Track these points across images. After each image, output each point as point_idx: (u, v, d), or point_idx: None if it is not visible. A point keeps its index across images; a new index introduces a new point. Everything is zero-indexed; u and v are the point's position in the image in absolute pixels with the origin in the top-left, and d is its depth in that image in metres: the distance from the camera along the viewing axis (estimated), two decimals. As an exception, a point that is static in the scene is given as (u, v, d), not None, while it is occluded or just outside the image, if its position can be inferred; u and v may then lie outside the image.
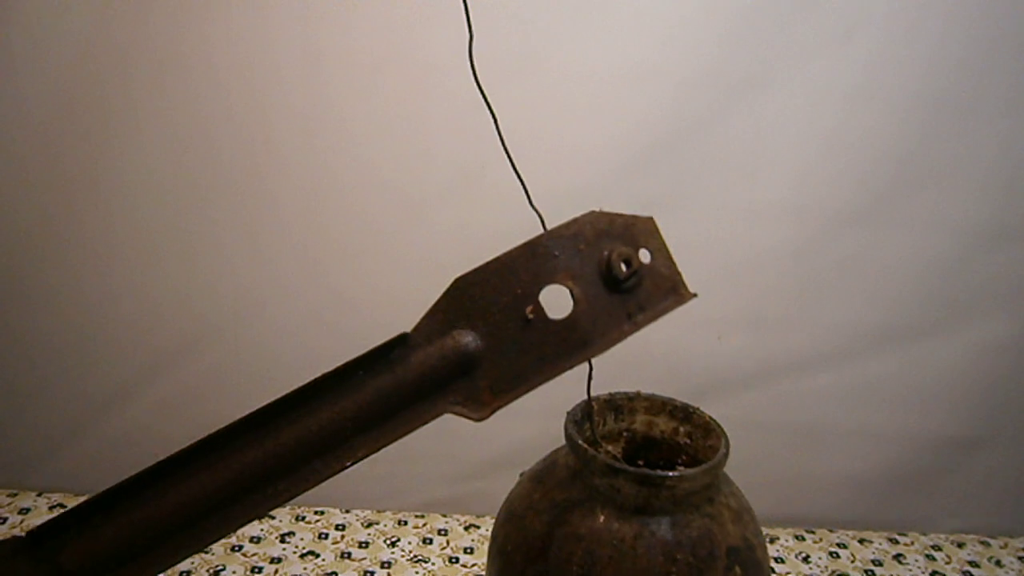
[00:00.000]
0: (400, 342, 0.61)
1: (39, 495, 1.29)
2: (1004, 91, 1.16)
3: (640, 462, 0.81)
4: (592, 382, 0.75)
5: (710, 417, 0.76)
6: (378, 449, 0.60)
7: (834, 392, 1.30)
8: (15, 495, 1.29)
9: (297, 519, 1.27)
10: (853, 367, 1.29)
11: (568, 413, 0.75)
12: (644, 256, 0.64)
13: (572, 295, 0.62)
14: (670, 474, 0.66)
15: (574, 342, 0.61)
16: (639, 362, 1.07)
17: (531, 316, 0.61)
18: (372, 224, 1.20)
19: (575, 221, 0.63)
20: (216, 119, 1.15)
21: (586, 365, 0.72)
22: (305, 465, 0.60)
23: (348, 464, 0.60)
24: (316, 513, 1.29)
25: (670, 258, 0.65)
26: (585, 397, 0.76)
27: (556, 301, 0.62)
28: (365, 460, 0.60)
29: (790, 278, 1.24)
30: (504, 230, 1.14)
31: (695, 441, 0.77)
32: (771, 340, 1.27)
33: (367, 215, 1.20)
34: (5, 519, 1.23)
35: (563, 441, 0.76)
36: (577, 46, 1.13)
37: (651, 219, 0.65)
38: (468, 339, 0.61)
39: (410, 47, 1.12)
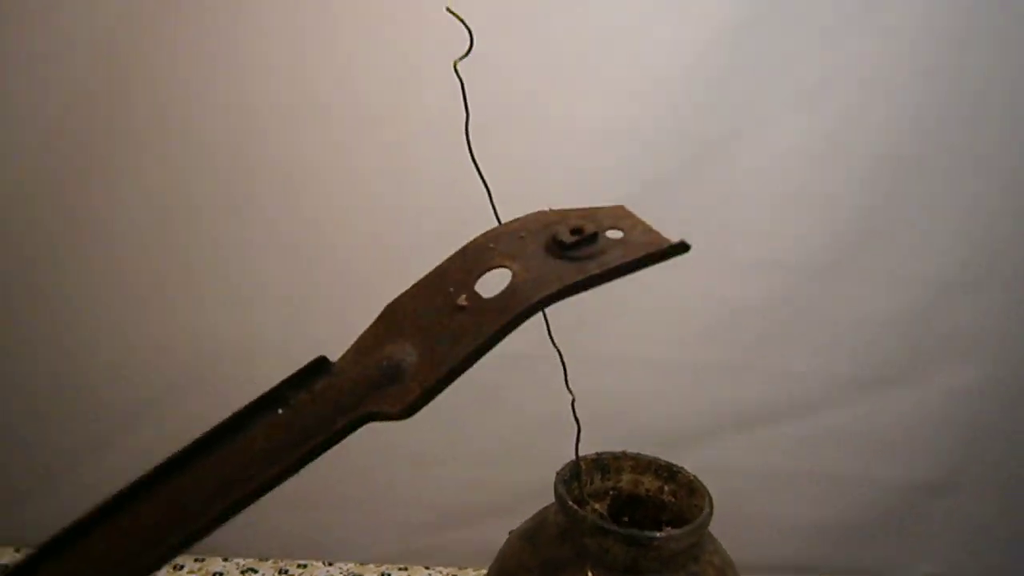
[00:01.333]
0: (317, 368, 0.55)
1: (16, 550, 1.28)
2: (962, 151, 1.22)
3: (625, 519, 0.83)
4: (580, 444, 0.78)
5: (694, 476, 0.79)
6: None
7: (805, 439, 1.33)
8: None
9: (280, 572, 1.27)
10: (823, 415, 1.32)
11: (557, 473, 0.77)
12: (615, 234, 0.54)
13: (512, 272, 0.54)
14: (658, 535, 0.69)
15: (512, 307, 0.52)
16: (615, 410, 1.10)
17: (465, 304, 0.54)
18: (354, 277, 1.22)
19: (517, 220, 0.57)
20: (197, 170, 1.16)
21: (569, 408, 0.74)
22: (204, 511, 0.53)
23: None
24: (299, 567, 1.29)
25: (648, 228, 0.54)
26: (572, 457, 0.79)
27: (496, 286, 0.54)
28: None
29: (761, 329, 1.28)
30: (482, 286, 1.17)
31: (679, 499, 0.80)
32: (743, 388, 1.31)
33: (349, 268, 1.22)
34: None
35: (548, 494, 0.78)
36: (555, 105, 1.17)
37: (621, 207, 0.56)
38: (402, 349, 0.54)
39: (397, 105, 1.14)
